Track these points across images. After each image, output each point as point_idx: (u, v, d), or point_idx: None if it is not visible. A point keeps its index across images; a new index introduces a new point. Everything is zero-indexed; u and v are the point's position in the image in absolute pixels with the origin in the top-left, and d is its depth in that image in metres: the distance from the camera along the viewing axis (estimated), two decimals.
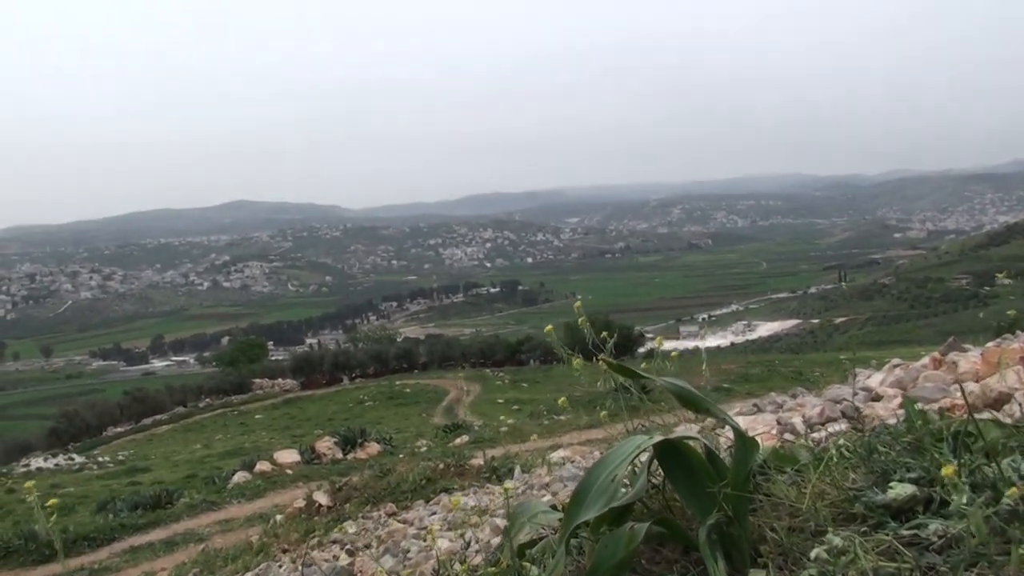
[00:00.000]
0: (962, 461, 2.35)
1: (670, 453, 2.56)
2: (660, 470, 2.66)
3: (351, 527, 9.02)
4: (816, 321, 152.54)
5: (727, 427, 2.66)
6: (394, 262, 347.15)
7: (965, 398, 2.54)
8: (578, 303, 3.29)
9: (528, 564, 2.77)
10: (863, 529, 2.24)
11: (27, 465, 36.86)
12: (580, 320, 3.20)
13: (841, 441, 3.06)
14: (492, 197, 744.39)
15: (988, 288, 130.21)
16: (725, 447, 2.86)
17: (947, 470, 1.98)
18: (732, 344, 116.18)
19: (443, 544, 5.33)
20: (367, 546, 7.46)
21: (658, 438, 2.53)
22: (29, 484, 3.00)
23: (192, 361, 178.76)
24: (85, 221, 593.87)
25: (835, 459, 2.80)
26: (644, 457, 2.64)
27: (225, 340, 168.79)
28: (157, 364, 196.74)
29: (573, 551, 2.62)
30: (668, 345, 3.72)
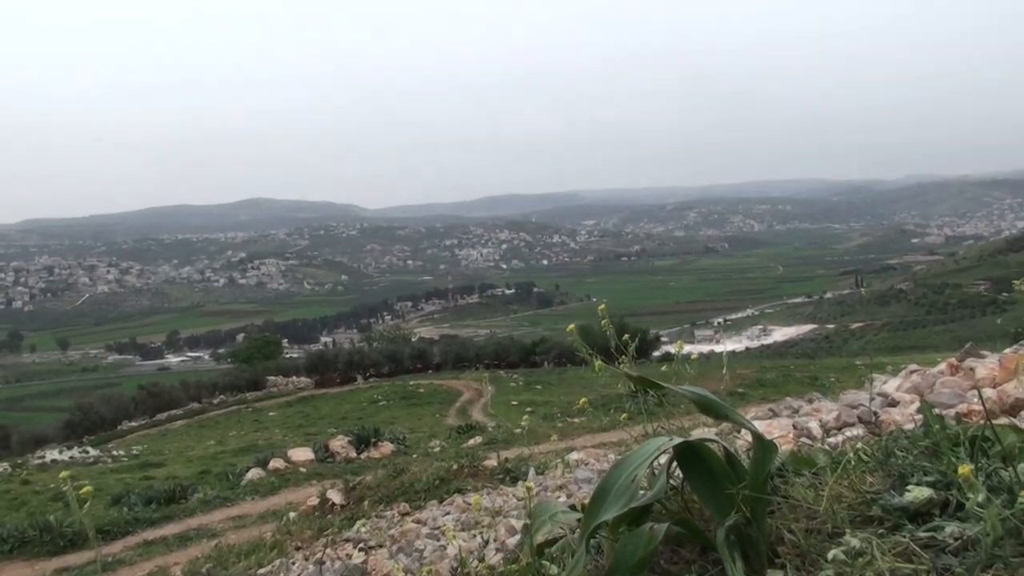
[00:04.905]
0: (979, 465, 2.37)
1: (689, 455, 2.58)
2: (679, 472, 2.69)
3: (364, 526, 9.07)
4: (832, 326, 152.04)
5: (744, 430, 2.69)
6: (410, 262, 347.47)
7: (983, 403, 2.56)
8: (602, 305, 3.28)
9: (548, 563, 2.81)
10: (880, 531, 2.27)
11: (42, 457, 37.00)
12: (603, 322, 3.20)
13: (859, 445, 3.08)
14: (508, 199, 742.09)
15: (1006, 294, 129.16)
16: (743, 450, 2.88)
17: (963, 469, 2.00)
18: (747, 349, 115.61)
19: (459, 543, 5.37)
20: (380, 545, 7.50)
21: (678, 440, 2.56)
22: (64, 474, 3.05)
23: (207, 357, 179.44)
24: (103, 215, 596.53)
25: (852, 462, 2.82)
26: (663, 459, 2.66)
27: (240, 337, 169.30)
28: (172, 359, 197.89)
29: (592, 551, 2.65)
30: (684, 349, 3.73)
